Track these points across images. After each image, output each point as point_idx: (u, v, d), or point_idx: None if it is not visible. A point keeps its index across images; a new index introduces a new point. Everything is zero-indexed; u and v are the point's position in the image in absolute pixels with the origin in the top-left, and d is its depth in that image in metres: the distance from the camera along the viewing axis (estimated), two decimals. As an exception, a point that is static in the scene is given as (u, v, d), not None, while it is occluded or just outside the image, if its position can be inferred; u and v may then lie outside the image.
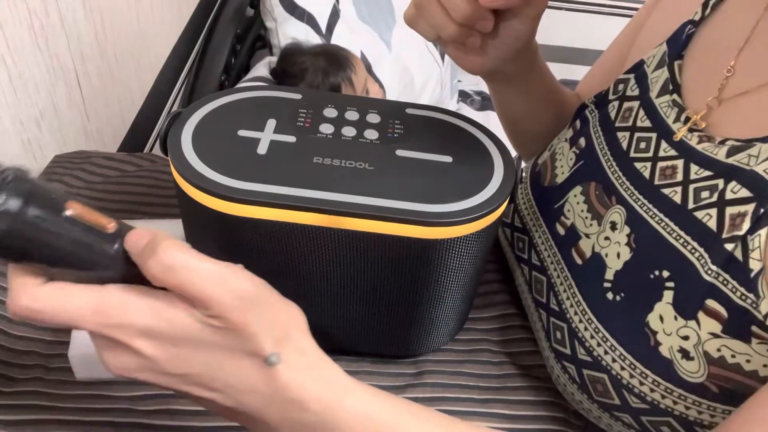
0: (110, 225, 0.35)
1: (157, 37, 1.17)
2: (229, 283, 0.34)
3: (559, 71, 0.94)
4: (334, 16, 1.64)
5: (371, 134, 0.51)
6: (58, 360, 0.53)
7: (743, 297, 0.41)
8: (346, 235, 0.46)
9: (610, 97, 0.57)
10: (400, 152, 0.50)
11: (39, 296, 0.33)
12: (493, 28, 0.52)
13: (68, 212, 0.33)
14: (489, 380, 0.56)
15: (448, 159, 0.50)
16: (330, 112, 0.53)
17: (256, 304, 0.34)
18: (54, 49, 0.80)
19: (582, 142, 0.58)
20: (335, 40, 1.61)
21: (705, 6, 0.54)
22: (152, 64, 1.17)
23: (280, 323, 0.36)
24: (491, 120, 1.82)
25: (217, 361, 0.35)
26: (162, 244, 0.34)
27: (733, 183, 0.44)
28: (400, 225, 0.45)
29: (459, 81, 1.93)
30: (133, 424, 0.50)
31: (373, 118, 0.53)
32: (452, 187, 0.47)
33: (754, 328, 0.41)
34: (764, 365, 0.41)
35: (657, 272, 0.46)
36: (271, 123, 0.51)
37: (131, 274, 0.35)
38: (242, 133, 0.50)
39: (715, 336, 0.42)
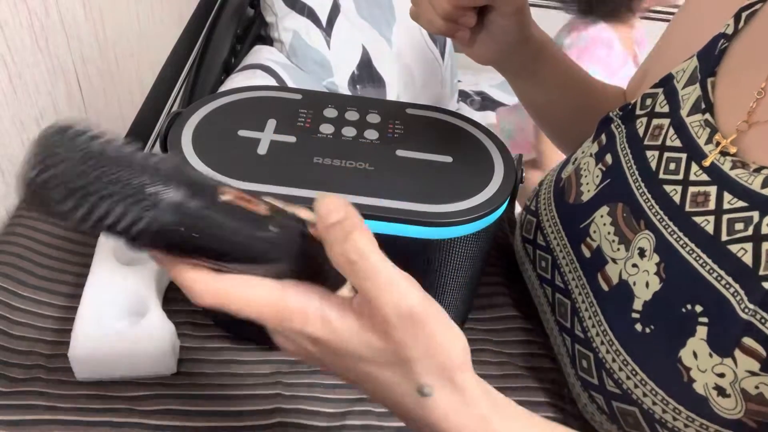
0: (262, 208, 0.33)
1: (157, 37, 1.17)
2: (401, 297, 0.33)
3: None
4: (335, 10, 1.64)
5: (371, 134, 0.51)
6: (58, 360, 0.53)
7: None
8: (346, 235, 0.46)
9: (638, 112, 0.55)
10: (400, 152, 0.50)
11: (221, 292, 0.33)
12: (481, 23, 0.56)
13: (223, 197, 0.32)
14: (489, 380, 0.55)
15: (448, 159, 0.50)
16: (330, 112, 0.53)
17: (419, 327, 0.33)
18: (54, 49, 0.80)
19: (608, 159, 0.55)
20: (336, 34, 1.61)
21: (737, 19, 0.50)
22: (152, 64, 1.17)
23: (441, 353, 0.34)
24: (491, 120, 1.82)
25: (374, 376, 0.35)
26: (354, 234, 0.33)
27: None
28: (400, 225, 0.45)
29: (459, 81, 1.93)
30: (133, 425, 0.50)
31: (373, 118, 0.53)
32: (452, 187, 0.47)
33: None
34: None
35: (689, 306, 0.44)
36: (272, 123, 0.51)
37: (292, 252, 0.34)
38: (242, 133, 0.50)
39: (753, 374, 0.41)
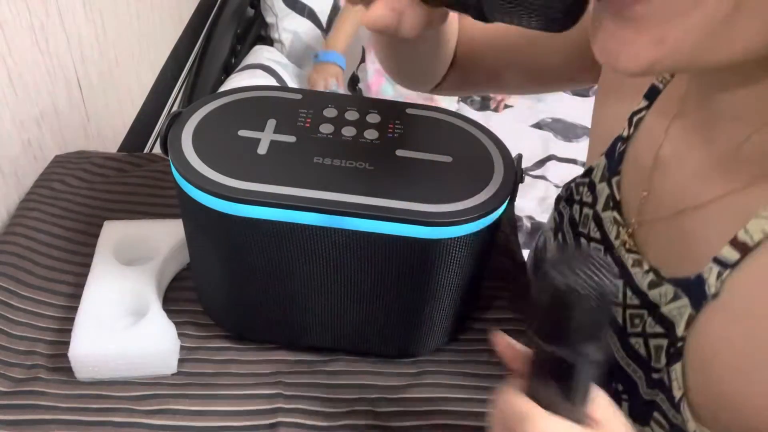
0: None
1: (157, 37, 1.17)
2: None
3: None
4: (335, 10, 1.65)
5: (371, 134, 0.51)
6: (58, 360, 0.53)
7: (675, 417, 0.44)
8: (346, 235, 0.46)
9: (575, 197, 0.59)
10: (400, 152, 0.50)
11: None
12: None
13: None
14: (489, 380, 0.56)
15: (448, 159, 0.50)
16: (330, 112, 0.53)
17: None
18: (54, 49, 0.80)
19: (560, 237, 0.59)
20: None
21: (630, 123, 0.53)
22: (152, 64, 1.17)
23: None
24: (491, 120, 1.82)
25: None
26: None
27: (651, 319, 0.46)
28: (400, 225, 0.45)
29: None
30: (133, 424, 0.50)
31: (373, 118, 0.53)
32: (452, 187, 0.47)
33: None
34: None
35: (614, 384, 0.49)
36: (271, 123, 0.51)
37: None
38: (242, 133, 0.50)
39: None
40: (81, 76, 0.87)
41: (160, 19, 1.16)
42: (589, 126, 0.62)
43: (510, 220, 0.74)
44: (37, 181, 0.71)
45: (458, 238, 0.47)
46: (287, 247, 0.47)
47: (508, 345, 0.40)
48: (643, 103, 0.53)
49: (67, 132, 0.85)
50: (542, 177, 1.69)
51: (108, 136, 0.99)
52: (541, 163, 1.73)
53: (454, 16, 0.59)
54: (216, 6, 1.53)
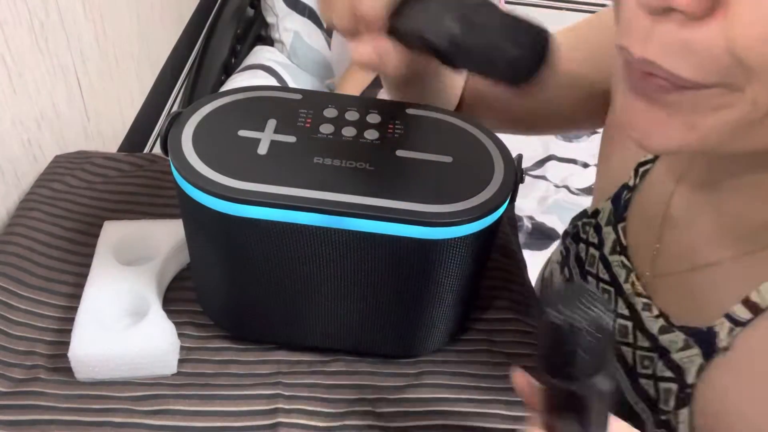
0: None
1: (157, 37, 1.17)
2: None
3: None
4: (335, 11, 1.64)
5: (371, 134, 0.51)
6: (58, 360, 0.53)
7: None
8: (346, 235, 0.46)
9: (581, 235, 0.59)
10: (400, 152, 0.50)
11: None
12: None
13: None
14: (489, 380, 0.56)
15: (448, 159, 0.50)
16: (330, 112, 0.53)
17: None
18: (54, 49, 0.80)
19: (566, 272, 0.60)
20: (336, 35, 1.61)
21: (636, 173, 0.54)
22: (152, 64, 1.17)
23: None
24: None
25: None
26: None
27: (661, 363, 0.47)
28: (400, 225, 0.45)
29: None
30: (133, 425, 0.50)
31: (373, 118, 0.53)
32: (452, 187, 0.47)
33: None
34: None
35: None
36: (272, 123, 0.51)
37: None
38: (242, 133, 0.50)
39: None
40: (81, 76, 0.87)
41: (160, 19, 1.16)
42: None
43: (510, 220, 0.74)
44: (37, 181, 0.71)
45: (458, 238, 0.47)
46: (287, 248, 0.47)
47: (526, 382, 0.40)
48: (650, 155, 0.53)
49: (67, 132, 0.85)
50: (542, 177, 1.69)
51: (108, 136, 0.99)
52: (541, 163, 1.73)
53: None
54: (216, 6, 1.53)
